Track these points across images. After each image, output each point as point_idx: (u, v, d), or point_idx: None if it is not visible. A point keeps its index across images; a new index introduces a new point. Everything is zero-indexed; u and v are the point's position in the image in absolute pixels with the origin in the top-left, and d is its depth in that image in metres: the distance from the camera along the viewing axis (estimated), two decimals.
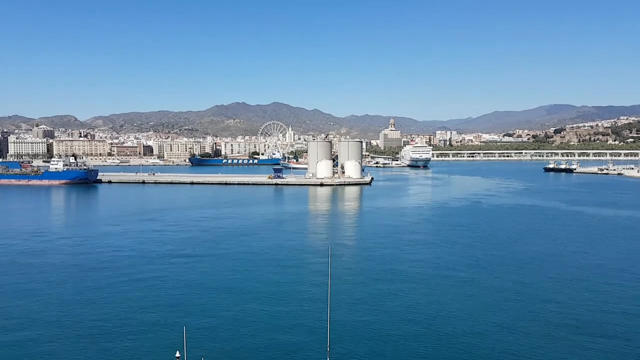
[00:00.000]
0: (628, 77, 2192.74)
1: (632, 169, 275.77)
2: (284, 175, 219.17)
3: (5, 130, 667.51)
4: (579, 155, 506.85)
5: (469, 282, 57.47)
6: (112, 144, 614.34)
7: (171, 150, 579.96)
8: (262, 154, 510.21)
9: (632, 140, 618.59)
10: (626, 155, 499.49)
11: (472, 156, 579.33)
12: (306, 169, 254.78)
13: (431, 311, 47.87)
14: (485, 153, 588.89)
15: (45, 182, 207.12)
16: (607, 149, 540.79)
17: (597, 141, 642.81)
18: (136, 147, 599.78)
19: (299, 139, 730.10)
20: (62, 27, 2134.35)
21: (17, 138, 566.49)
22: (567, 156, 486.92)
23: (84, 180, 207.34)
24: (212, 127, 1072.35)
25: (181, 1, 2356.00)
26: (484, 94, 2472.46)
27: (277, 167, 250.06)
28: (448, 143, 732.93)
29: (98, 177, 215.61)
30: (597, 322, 44.72)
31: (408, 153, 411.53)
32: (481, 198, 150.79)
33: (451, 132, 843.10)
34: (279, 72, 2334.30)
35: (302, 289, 55.26)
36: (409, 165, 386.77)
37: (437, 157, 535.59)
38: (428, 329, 43.29)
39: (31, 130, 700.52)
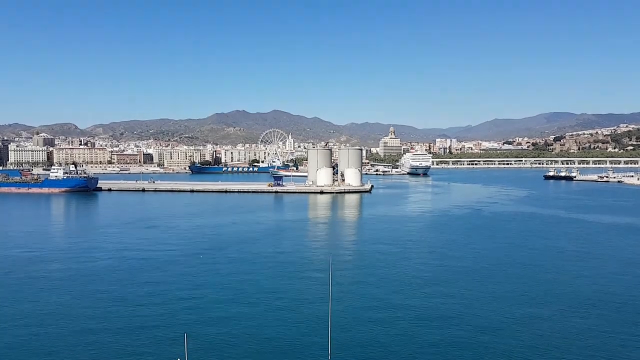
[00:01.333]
0: (628, 84, 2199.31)
1: (632, 176, 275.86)
2: (284, 183, 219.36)
3: (5, 138, 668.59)
4: (578, 163, 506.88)
5: (470, 287, 57.35)
6: (112, 152, 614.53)
7: (171, 158, 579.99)
8: (262, 162, 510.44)
9: (631, 147, 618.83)
10: (626, 162, 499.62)
11: (472, 164, 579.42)
12: (299, 176, 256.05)
13: (432, 317, 47.75)
14: (485, 161, 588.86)
15: (46, 190, 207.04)
16: (607, 157, 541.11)
17: (597, 149, 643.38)
18: (136, 155, 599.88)
19: (299, 146, 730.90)
20: (62, 35, 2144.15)
21: (17, 146, 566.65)
22: (567, 164, 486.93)
23: (84, 188, 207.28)
24: (212, 135, 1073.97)
25: (181, 10, 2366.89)
26: (483, 102, 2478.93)
27: (276, 175, 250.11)
28: (448, 151, 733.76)
29: (98, 185, 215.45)
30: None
31: (408, 161, 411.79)
32: (482, 206, 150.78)
33: (451, 140, 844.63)
34: (279, 80, 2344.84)
35: (303, 296, 55.16)
36: (408, 173, 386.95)
37: (437, 164, 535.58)
38: (429, 335, 43.16)
39: (31, 138, 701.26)
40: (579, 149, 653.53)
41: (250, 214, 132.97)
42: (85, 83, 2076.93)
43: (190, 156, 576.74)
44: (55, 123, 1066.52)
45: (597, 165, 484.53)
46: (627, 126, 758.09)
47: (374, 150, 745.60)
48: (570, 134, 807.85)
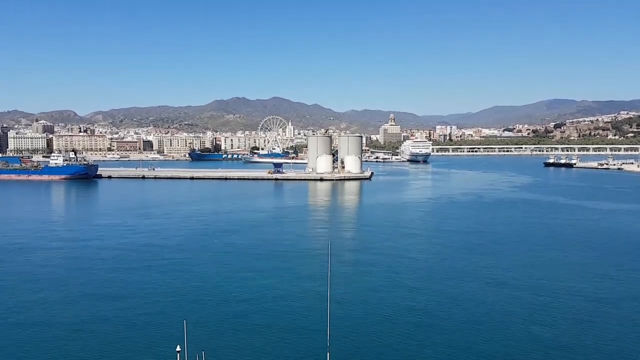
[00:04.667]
0: (628, 71, 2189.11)
1: (632, 163, 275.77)
2: (283, 170, 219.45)
3: (4, 125, 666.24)
4: (579, 150, 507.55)
5: (469, 274, 57.51)
6: (111, 139, 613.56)
7: (171, 145, 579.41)
8: (262, 149, 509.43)
9: (632, 135, 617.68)
10: (626, 150, 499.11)
11: (472, 151, 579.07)
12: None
13: (432, 304, 47.92)
14: (485, 148, 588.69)
15: (46, 177, 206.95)
16: (607, 144, 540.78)
17: (597, 136, 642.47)
18: (136, 142, 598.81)
19: (299, 133, 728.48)
20: (61, 22, 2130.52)
21: (16, 133, 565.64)
22: (567, 151, 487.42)
23: (84, 176, 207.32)
24: (212, 122, 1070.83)
25: None
26: (484, 89, 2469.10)
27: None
28: (448, 138, 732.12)
29: (98, 172, 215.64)
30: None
31: (408, 148, 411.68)
32: (481, 192, 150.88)
33: (451, 127, 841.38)
34: (278, 66, 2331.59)
35: (302, 283, 55.35)
36: (408, 160, 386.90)
37: (437, 152, 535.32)
38: (429, 322, 43.35)
39: (31, 125, 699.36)
40: (579, 136, 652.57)
41: (250, 200, 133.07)
42: (84, 70, 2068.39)
43: (190, 143, 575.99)
44: (55, 110, 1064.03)
45: (597, 153, 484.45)
46: (627, 113, 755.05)
47: (374, 137, 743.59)
48: (571, 121, 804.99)
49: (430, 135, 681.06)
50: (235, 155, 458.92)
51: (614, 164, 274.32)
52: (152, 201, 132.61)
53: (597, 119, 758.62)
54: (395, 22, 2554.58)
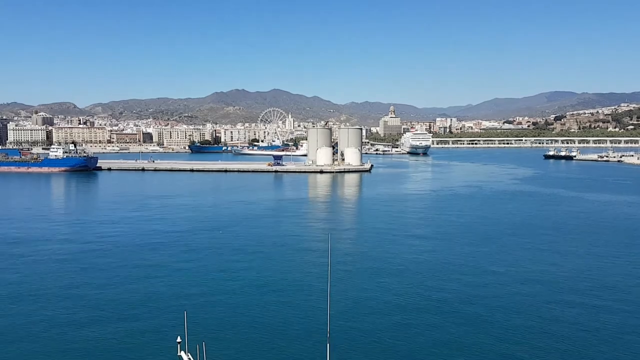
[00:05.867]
0: (629, 64, 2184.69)
1: (632, 156, 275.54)
2: (283, 163, 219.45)
3: (4, 117, 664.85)
4: (579, 143, 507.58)
5: (472, 266, 57.49)
6: (111, 131, 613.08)
7: (171, 138, 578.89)
8: (262, 141, 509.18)
9: (632, 127, 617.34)
10: (626, 142, 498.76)
11: (472, 143, 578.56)
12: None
13: (432, 296, 47.91)
14: (485, 140, 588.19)
15: (45, 169, 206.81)
16: (608, 136, 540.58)
17: (598, 128, 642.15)
18: (136, 134, 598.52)
19: (299, 125, 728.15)
20: (60, 13, 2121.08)
21: (16, 125, 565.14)
22: (567, 143, 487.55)
23: (84, 168, 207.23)
24: (212, 114, 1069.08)
25: None
26: (484, 81, 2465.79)
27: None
28: (448, 130, 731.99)
29: (98, 164, 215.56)
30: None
31: (408, 140, 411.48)
32: (482, 184, 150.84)
33: (451, 119, 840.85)
34: (278, 58, 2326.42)
35: (302, 274, 55.32)
36: (408, 152, 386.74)
37: (437, 144, 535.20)
38: (428, 316, 43.37)
39: (30, 117, 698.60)
40: (579, 129, 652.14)
41: (250, 193, 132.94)
42: (83, 62, 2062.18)
43: (189, 135, 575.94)
44: (54, 102, 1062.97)
45: (598, 145, 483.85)
46: (628, 105, 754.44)
47: (374, 129, 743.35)
48: (571, 113, 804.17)
49: (430, 128, 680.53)
50: (234, 148, 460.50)
51: (614, 157, 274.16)
52: (152, 193, 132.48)
53: (598, 111, 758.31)
54: (395, 14, 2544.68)
